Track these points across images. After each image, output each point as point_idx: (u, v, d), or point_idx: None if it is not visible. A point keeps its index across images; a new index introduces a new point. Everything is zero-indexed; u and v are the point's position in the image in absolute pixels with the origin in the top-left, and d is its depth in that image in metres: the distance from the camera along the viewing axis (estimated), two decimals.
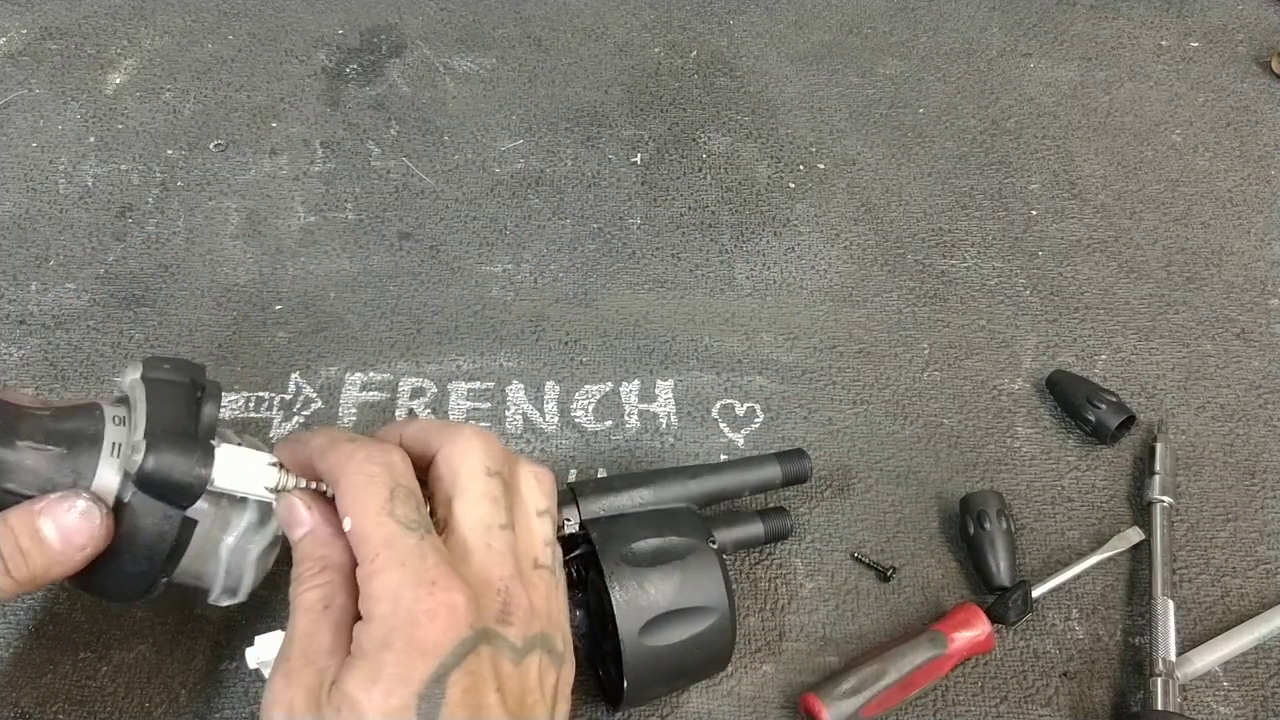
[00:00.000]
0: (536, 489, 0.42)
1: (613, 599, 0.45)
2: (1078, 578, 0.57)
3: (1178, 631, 0.54)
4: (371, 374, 0.64)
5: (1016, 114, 0.82)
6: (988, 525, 0.56)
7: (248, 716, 0.51)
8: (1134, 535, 0.58)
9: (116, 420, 0.40)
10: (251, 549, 0.43)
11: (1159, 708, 0.51)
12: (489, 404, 0.63)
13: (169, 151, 0.76)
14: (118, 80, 0.80)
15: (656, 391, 0.64)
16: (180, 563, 0.41)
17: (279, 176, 0.74)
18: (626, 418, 0.63)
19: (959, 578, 0.57)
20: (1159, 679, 0.52)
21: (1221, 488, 0.62)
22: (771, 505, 0.58)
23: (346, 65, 0.83)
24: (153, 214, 0.72)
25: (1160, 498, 0.59)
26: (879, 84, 0.84)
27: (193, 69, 0.81)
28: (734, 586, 0.49)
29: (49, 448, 0.38)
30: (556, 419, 0.63)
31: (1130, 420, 0.63)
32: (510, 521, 0.40)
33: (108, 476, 0.38)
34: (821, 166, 0.78)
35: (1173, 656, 0.53)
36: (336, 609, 0.38)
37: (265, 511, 0.43)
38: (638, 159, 0.77)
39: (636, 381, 0.65)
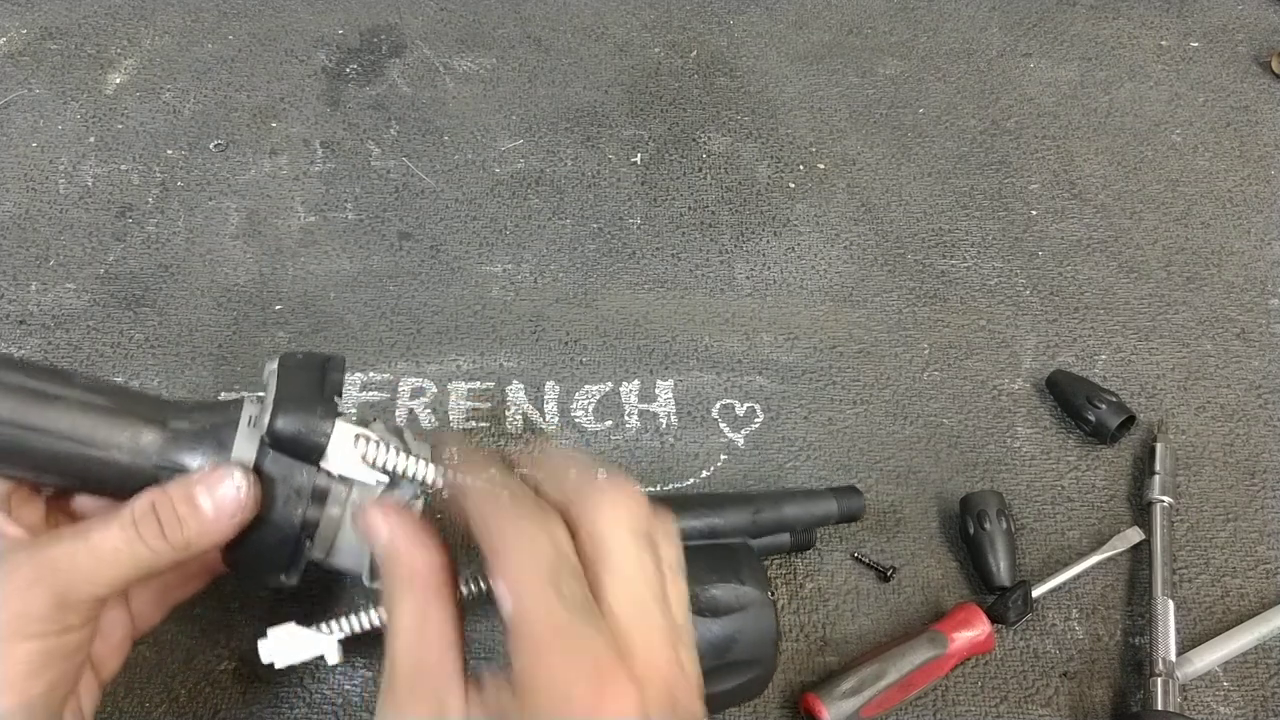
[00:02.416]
0: (671, 544, 0.38)
1: None
2: (1078, 578, 0.57)
3: (1178, 631, 0.54)
4: (371, 374, 0.64)
5: (1016, 114, 0.82)
6: (988, 525, 0.56)
7: (247, 717, 0.51)
8: (1134, 535, 0.58)
9: (253, 400, 0.42)
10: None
11: (1159, 708, 0.51)
12: (489, 404, 0.63)
13: (169, 151, 0.76)
14: (118, 80, 0.80)
15: (656, 391, 0.64)
16: (319, 530, 0.41)
17: (279, 176, 0.74)
18: (626, 418, 0.63)
19: (959, 578, 0.58)
20: (1159, 679, 0.52)
21: (1221, 488, 0.62)
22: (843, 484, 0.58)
23: (346, 65, 0.83)
24: (153, 214, 0.72)
25: (1160, 498, 0.59)
26: (879, 84, 0.84)
27: (193, 69, 0.81)
28: (793, 637, 0.49)
29: (195, 428, 0.41)
30: (556, 419, 0.63)
31: (1130, 420, 0.63)
32: (663, 591, 0.36)
33: (245, 446, 0.41)
34: (821, 166, 0.78)
35: (1173, 656, 0.53)
36: (435, 622, 0.36)
37: (395, 476, 0.42)
38: (638, 159, 0.77)
39: (636, 381, 0.65)
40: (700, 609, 0.47)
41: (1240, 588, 0.58)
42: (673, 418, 0.63)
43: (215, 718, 0.51)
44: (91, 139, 0.76)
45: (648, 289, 0.70)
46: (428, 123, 0.79)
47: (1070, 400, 0.64)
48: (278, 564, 0.42)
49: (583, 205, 0.74)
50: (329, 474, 0.41)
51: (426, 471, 0.41)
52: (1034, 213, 0.75)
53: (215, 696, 0.52)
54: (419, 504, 0.44)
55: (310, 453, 0.40)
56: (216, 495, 0.39)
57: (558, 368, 0.65)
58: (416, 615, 0.36)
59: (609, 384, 0.65)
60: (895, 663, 0.51)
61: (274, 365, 0.42)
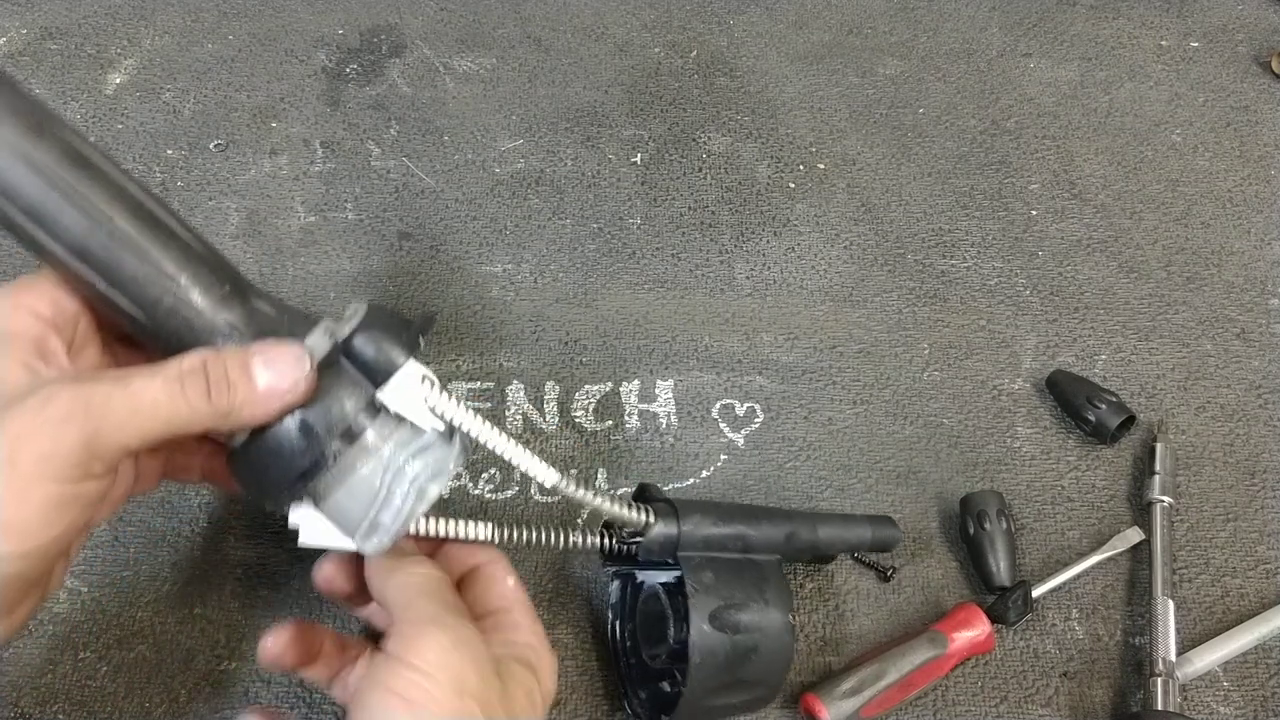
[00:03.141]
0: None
1: (690, 662, 0.46)
2: (1078, 578, 0.57)
3: (1178, 631, 0.54)
4: None
5: (1016, 114, 0.82)
6: (988, 525, 0.56)
7: None
8: (1134, 535, 0.58)
9: (332, 319, 0.43)
10: (409, 470, 0.41)
11: (1159, 708, 0.51)
12: (489, 404, 0.63)
13: (169, 151, 0.76)
14: (118, 80, 0.80)
15: (656, 391, 0.64)
16: (333, 468, 0.40)
17: (279, 176, 0.74)
18: (626, 418, 0.63)
19: (959, 578, 0.58)
20: (1159, 679, 0.52)
21: (1221, 488, 0.62)
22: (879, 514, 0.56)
23: (346, 65, 0.83)
24: None
25: (1160, 498, 0.59)
26: (879, 84, 0.84)
27: (193, 69, 0.81)
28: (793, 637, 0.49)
29: (273, 313, 0.41)
30: (556, 419, 0.63)
31: (1130, 420, 0.63)
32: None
33: (319, 339, 0.41)
34: (821, 166, 0.78)
35: (1173, 656, 0.53)
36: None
37: (442, 444, 0.42)
38: (638, 159, 0.77)
39: (636, 381, 0.65)
40: (721, 625, 0.46)
41: (1240, 588, 0.58)
42: (673, 418, 0.63)
43: (215, 718, 0.51)
44: (91, 139, 0.76)
45: (648, 289, 0.70)
46: (428, 123, 0.79)
47: (1070, 400, 0.64)
48: (292, 471, 0.40)
49: (583, 205, 0.74)
50: (379, 409, 0.40)
51: (484, 431, 0.42)
52: (1034, 213, 0.75)
53: (215, 696, 0.52)
54: (440, 486, 0.43)
55: (378, 372, 0.40)
56: (275, 368, 0.38)
57: (558, 368, 0.65)
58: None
59: (609, 384, 0.65)
60: (895, 663, 0.51)
61: (360, 304, 0.42)
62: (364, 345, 0.40)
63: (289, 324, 0.41)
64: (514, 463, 0.43)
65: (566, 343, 0.66)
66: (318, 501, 0.42)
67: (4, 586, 0.35)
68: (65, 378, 0.37)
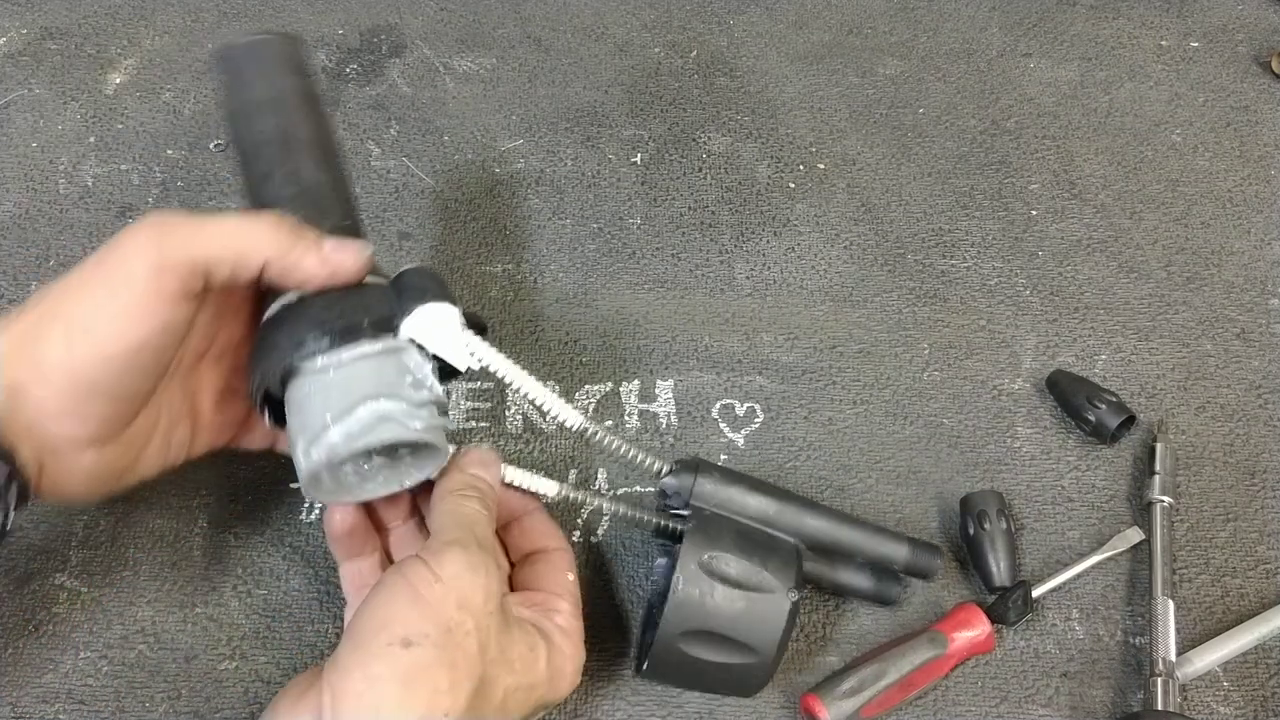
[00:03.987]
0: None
1: (671, 592, 0.46)
2: (1078, 578, 0.57)
3: (1178, 631, 0.54)
4: None
5: (1016, 114, 0.82)
6: (988, 525, 0.56)
7: (247, 717, 0.51)
8: (1134, 535, 0.58)
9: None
10: (382, 404, 0.43)
11: (1159, 708, 0.51)
12: (489, 404, 0.63)
13: (169, 151, 0.76)
14: (118, 80, 0.80)
15: (656, 391, 0.64)
16: (338, 355, 0.43)
17: None
18: (626, 418, 0.63)
19: (959, 578, 0.58)
20: (1159, 679, 0.52)
21: (1221, 488, 0.62)
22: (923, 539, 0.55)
23: (346, 65, 0.83)
24: None
25: (1160, 498, 0.59)
26: (879, 84, 0.84)
27: (193, 69, 0.81)
28: (793, 637, 0.49)
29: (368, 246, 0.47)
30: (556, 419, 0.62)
31: (1130, 420, 0.63)
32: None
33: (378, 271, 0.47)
34: (821, 166, 0.78)
35: (1173, 656, 0.53)
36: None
37: (424, 400, 0.44)
38: (638, 159, 0.77)
39: (636, 381, 0.65)
40: (710, 571, 0.46)
41: (1240, 588, 0.58)
42: (673, 418, 0.63)
43: (215, 718, 0.51)
44: (91, 139, 0.76)
45: (648, 289, 0.70)
46: (428, 123, 0.79)
47: (1070, 400, 0.64)
48: (300, 333, 0.43)
49: (583, 205, 0.74)
50: (391, 335, 0.44)
51: (506, 367, 0.47)
52: (1034, 213, 0.75)
53: (216, 696, 0.52)
54: (391, 431, 0.43)
55: (416, 296, 0.44)
56: (340, 244, 0.45)
57: (558, 368, 0.65)
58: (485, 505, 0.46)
59: (609, 384, 0.65)
60: (895, 663, 0.51)
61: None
62: (410, 279, 0.45)
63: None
64: (538, 402, 0.48)
65: (566, 343, 0.66)
66: (289, 392, 0.44)
67: (94, 387, 0.41)
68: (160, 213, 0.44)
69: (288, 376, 0.44)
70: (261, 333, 0.46)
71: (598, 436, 0.49)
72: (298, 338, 0.43)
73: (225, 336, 0.50)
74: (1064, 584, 0.57)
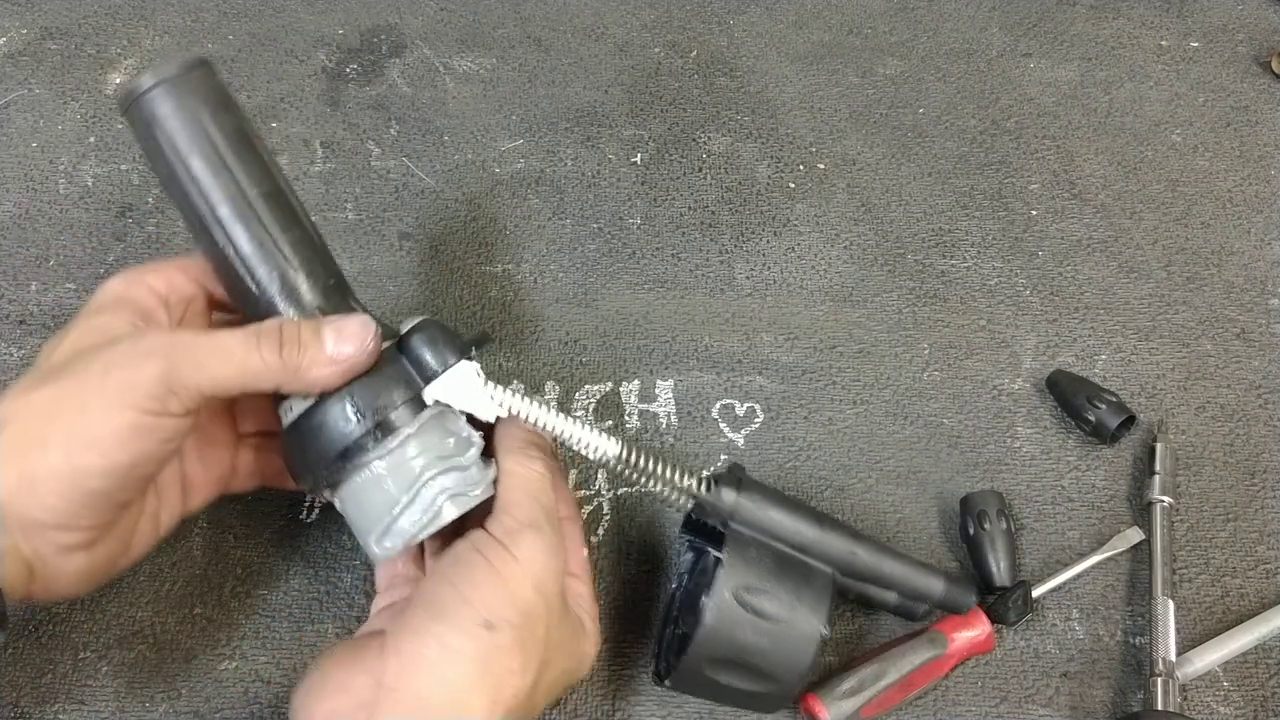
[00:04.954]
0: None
1: (700, 622, 0.45)
2: (1078, 578, 0.57)
3: (1178, 631, 0.54)
4: None
5: (1016, 114, 0.82)
6: (988, 525, 0.56)
7: (247, 717, 0.51)
8: (1134, 535, 0.58)
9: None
10: (438, 483, 0.44)
11: (1159, 708, 0.51)
12: None
13: None
14: (118, 80, 0.80)
15: (656, 391, 0.64)
16: (382, 451, 0.43)
17: None
18: (626, 418, 0.63)
19: (959, 577, 0.57)
20: (1159, 679, 0.52)
21: (1221, 488, 0.62)
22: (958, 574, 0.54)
23: (346, 65, 0.83)
24: (153, 214, 0.72)
25: (1160, 498, 0.59)
26: (879, 84, 0.84)
27: None
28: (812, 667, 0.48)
29: (362, 309, 0.46)
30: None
31: (1130, 420, 0.63)
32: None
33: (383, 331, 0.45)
34: (821, 166, 0.78)
35: (1173, 656, 0.53)
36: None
37: (476, 468, 0.45)
38: (638, 159, 0.77)
39: (636, 381, 0.65)
40: (743, 603, 0.46)
41: (1240, 588, 0.58)
42: (673, 418, 0.63)
43: (215, 718, 0.51)
44: (91, 139, 0.76)
45: (648, 289, 0.70)
46: (428, 123, 0.79)
47: (1070, 400, 0.64)
48: (334, 447, 0.43)
49: (583, 205, 0.74)
50: (423, 410, 0.44)
51: (540, 414, 0.45)
52: (1034, 213, 0.75)
53: (215, 696, 0.52)
54: (458, 510, 0.45)
55: (430, 368, 0.44)
56: (342, 334, 0.43)
57: (558, 368, 0.65)
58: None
59: (609, 384, 0.65)
60: (895, 663, 0.51)
61: (417, 316, 0.47)
62: (419, 343, 0.44)
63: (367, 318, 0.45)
64: (569, 438, 0.46)
65: (566, 343, 0.66)
66: (344, 492, 0.45)
67: (91, 498, 0.40)
68: (161, 330, 0.44)
69: (337, 481, 0.45)
70: (292, 441, 0.45)
71: (636, 460, 0.47)
72: (336, 447, 0.43)
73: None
74: (1064, 584, 0.57)
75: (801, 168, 0.78)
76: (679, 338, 0.67)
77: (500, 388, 0.45)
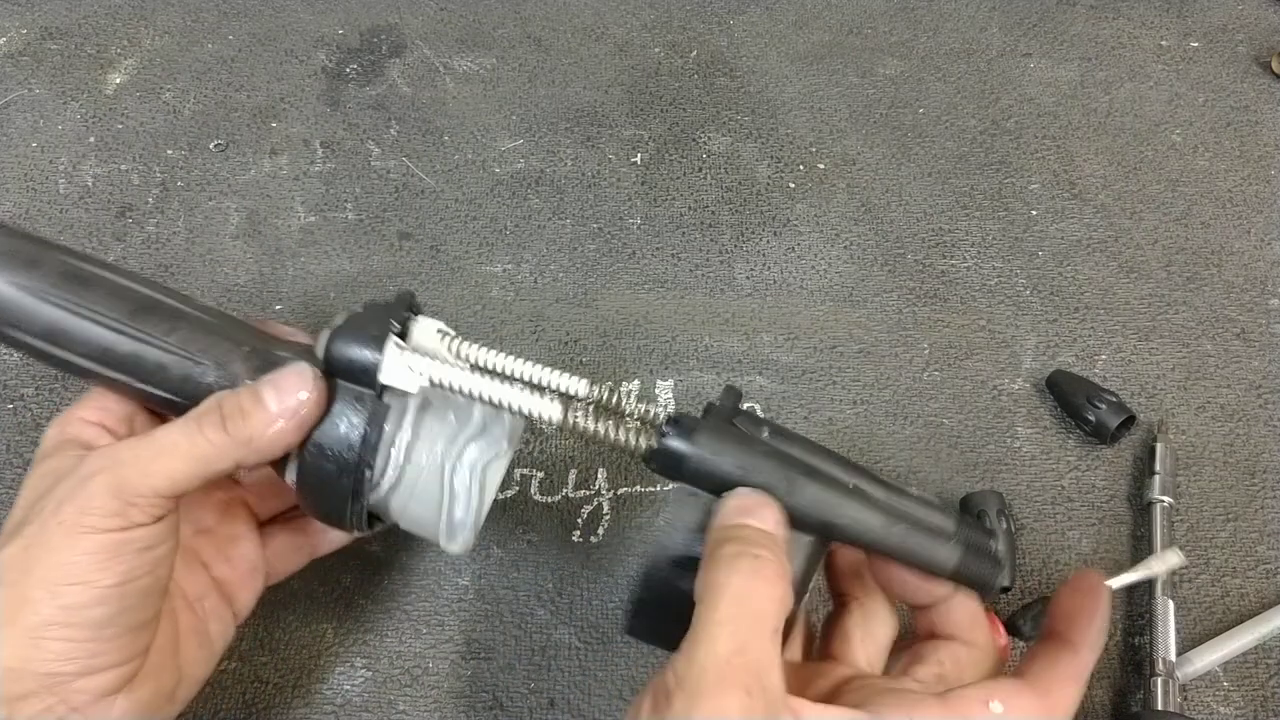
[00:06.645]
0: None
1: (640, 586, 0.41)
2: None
3: (1178, 631, 0.54)
4: None
5: (1016, 114, 0.82)
6: (987, 525, 0.56)
7: (247, 718, 0.51)
8: (1172, 559, 0.56)
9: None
10: (467, 458, 0.42)
11: (1159, 708, 0.51)
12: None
13: (169, 151, 0.76)
14: (118, 80, 0.80)
15: (657, 391, 0.64)
16: (379, 465, 0.41)
17: (279, 176, 0.74)
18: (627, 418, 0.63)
19: None
20: (1159, 679, 0.52)
21: (1221, 488, 0.62)
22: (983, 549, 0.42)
23: (346, 65, 0.83)
24: (153, 214, 0.72)
25: (1160, 498, 0.59)
26: (879, 84, 0.84)
27: (193, 69, 0.81)
28: None
29: (294, 354, 0.42)
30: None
31: (1130, 420, 0.63)
32: None
33: (316, 362, 0.41)
34: (821, 166, 0.78)
35: (1173, 656, 0.53)
36: (772, 598, 0.35)
37: (485, 421, 0.43)
38: (638, 159, 0.77)
39: (636, 381, 0.65)
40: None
41: (1240, 588, 0.58)
42: None
43: (215, 718, 0.51)
44: (91, 139, 0.76)
45: (648, 289, 0.70)
46: (428, 123, 0.79)
47: (1070, 400, 0.64)
48: (343, 488, 0.41)
49: (583, 205, 0.74)
50: (391, 409, 0.41)
51: (469, 381, 0.41)
52: (1034, 213, 0.75)
53: (215, 696, 0.52)
54: (500, 470, 0.43)
55: (363, 374, 0.40)
56: (281, 389, 0.40)
57: (558, 368, 0.65)
58: (752, 599, 0.34)
59: (609, 384, 0.64)
60: None
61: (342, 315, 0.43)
62: (340, 353, 0.40)
63: (305, 356, 0.42)
64: (513, 407, 0.41)
65: (566, 343, 0.66)
66: (392, 515, 0.43)
67: (97, 631, 0.38)
68: (104, 447, 0.41)
69: (375, 516, 0.44)
70: (309, 504, 0.43)
71: (578, 428, 0.42)
72: (344, 495, 0.41)
73: (212, 496, 0.47)
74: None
75: (801, 168, 0.78)
76: (679, 338, 0.67)
77: (421, 356, 0.41)
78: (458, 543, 0.43)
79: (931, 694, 0.36)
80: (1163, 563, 0.57)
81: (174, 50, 0.83)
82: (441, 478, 0.42)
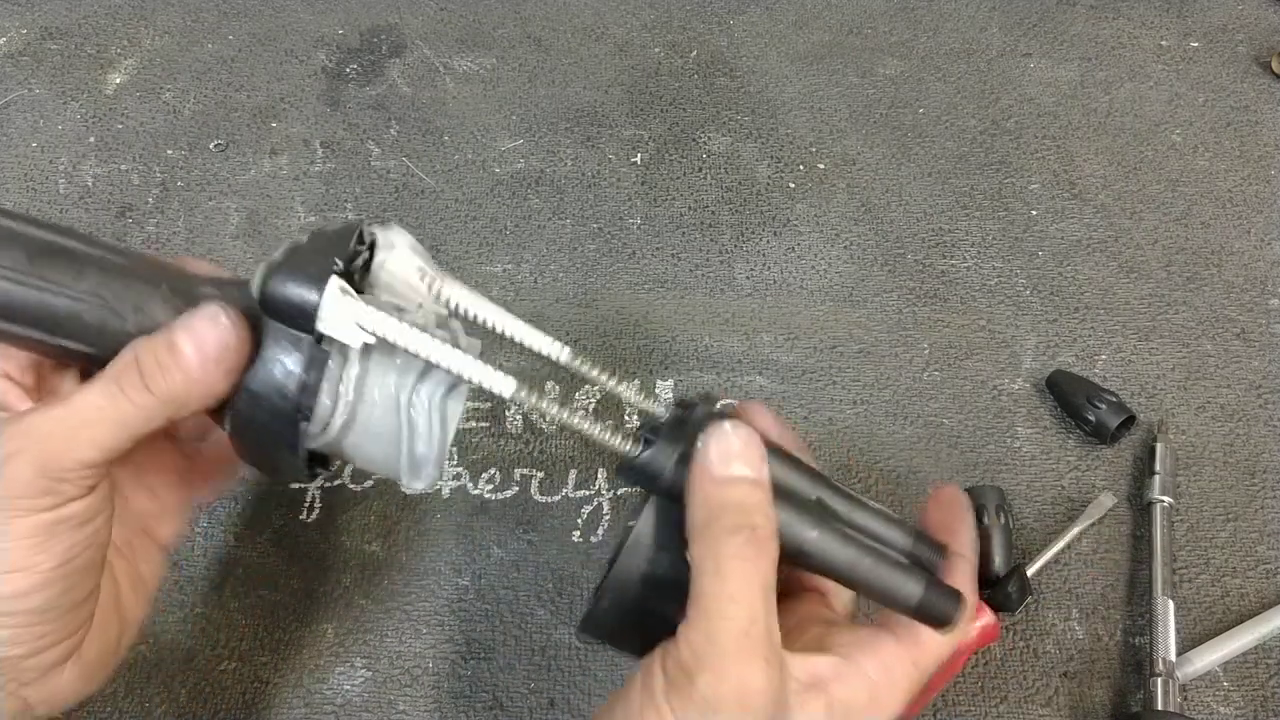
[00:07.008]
0: None
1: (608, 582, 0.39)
2: (1066, 550, 0.58)
3: (1178, 631, 0.54)
4: None
5: (1016, 114, 0.82)
6: (986, 520, 0.57)
7: (247, 718, 0.51)
8: (1107, 500, 0.60)
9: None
10: (424, 391, 0.39)
11: (1159, 708, 0.51)
12: (489, 404, 0.63)
13: (169, 151, 0.76)
14: (118, 80, 0.80)
15: (656, 391, 0.64)
16: (326, 405, 0.37)
17: (279, 176, 0.74)
18: (627, 418, 0.63)
19: None
20: (1159, 679, 0.52)
21: (1221, 488, 0.62)
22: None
23: (346, 65, 0.83)
24: (153, 214, 0.72)
25: (1160, 498, 0.59)
26: (879, 84, 0.84)
27: (193, 69, 0.81)
28: None
29: (218, 289, 0.39)
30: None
31: (1130, 420, 0.63)
32: None
33: (248, 298, 0.37)
34: (821, 166, 0.78)
35: (1173, 656, 0.53)
36: (767, 583, 0.35)
37: (436, 347, 0.39)
38: (638, 159, 0.77)
39: (636, 381, 0.65)
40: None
41: (1240, 588, 0.58)
42: None
43: (215, 718, 0.51)
44: (91, 139, 0.76)
45: (648, 289, 0.70)
46: (428, 123, 0.79)
47: (1070, 400, 0.64)
48: (279, 438, 0.38)
49: (583, 205, 0.74)
50: (335, 348, 0.37)
51: (414, 339, 0.37)
52: (1034, 213, 0.75)
53: (215, 696, 0.52)
54: (460, 401, 0.40)
55: (299, 316, 0.36)
56: (198, 336, 0.36)
57: (558, 368, 0.65)
58: (755, 570, 0.34)
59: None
60: None
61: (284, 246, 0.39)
62: (275, 291, 0.36)
63: (229, 294, 0.38)
64: (466, 377, 0.38)
65: (566, 343, 0.66)
66: (346, 455, 0.40)
67: (44, 614, 0.36)
68: (15, 415, 0.37)
69: (321, 461, 0.40)
70: (241, 447, 0.39)
71: (535, 402, 0.40)
72: (284, 436, 0.38)
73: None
74: (1054, 558, 0.57)
75: (801, 168, 0.78)
76: (679, 338, 0.67)
77: (371, 308, 0.37)
78: (422, 479, 0.40)
79: (885, 629, 0.38)
80: (1099, 508, 0.59)
81: (174, 50, 0.83)
82: (398, 413, 0.39)
